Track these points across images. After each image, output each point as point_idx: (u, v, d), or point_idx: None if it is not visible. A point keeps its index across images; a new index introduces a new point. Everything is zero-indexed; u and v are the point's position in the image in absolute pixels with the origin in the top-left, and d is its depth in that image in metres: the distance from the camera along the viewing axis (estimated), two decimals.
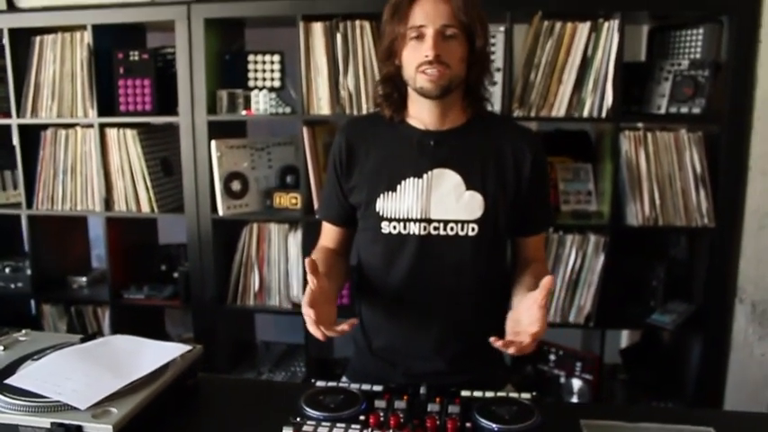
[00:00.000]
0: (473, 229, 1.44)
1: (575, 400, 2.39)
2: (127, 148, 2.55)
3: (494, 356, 1.54)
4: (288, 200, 2.51)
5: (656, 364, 2.64)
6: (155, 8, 2.43)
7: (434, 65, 1.35)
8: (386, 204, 1.47)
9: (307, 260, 1.34)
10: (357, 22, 2.32)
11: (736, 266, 2.27)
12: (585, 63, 2.24)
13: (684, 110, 2.24)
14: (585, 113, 2.26)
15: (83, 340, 1.50)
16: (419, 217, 1.44)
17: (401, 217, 1.46)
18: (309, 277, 1.34)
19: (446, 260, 1.46)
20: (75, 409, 1.19)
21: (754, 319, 2.18)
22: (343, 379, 1.65)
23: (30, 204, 2.67)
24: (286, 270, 2.56)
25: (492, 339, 1.24)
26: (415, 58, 1.38)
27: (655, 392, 2.48)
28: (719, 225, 2.26)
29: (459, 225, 1.44)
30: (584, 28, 2.21)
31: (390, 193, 1.46)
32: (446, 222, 1.44)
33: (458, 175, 1.44)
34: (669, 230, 2.39)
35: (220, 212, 2.50)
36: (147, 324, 2.86)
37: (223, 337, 2.64)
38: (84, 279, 2.88)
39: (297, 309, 2.56)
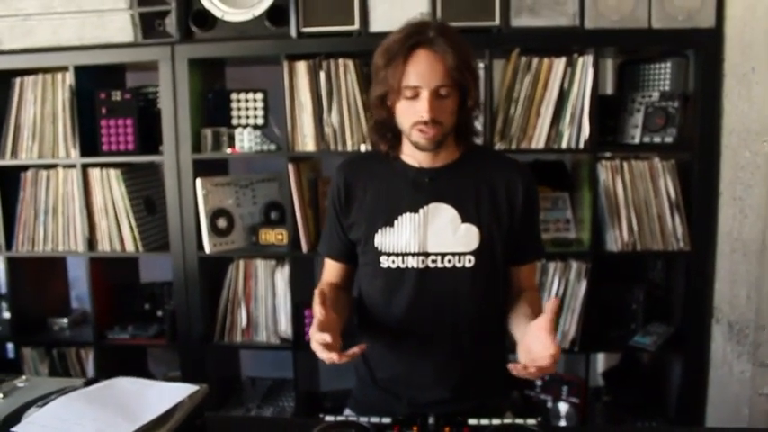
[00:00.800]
0: (470, 261, 1.48)
1: (562, 423, 2.44)
2: (110, 188, 2.55)
3: (494, 383, 1.59)
4: (274, 236, 2.54)
5: (638, 385, 2.70)
6: (138, 49, 2.45)
7: (429, 125, 1.40)
8: (384, 239, 1.51)
9: (316, 291, 1.38)
10: (340, 61, 2.38)
11: (712, 288, 2.36)
12: (562, 97, 2.33)
13: (657, 139, 2.34)
14: (564, 145, 2.34)
15: (86, 384, 1.50)
16: (417, 251, 1.48)
17: (399, 251, 1.49)
18: (317, 308, 1.37)
19: (445, 292, 1.50)
20: None
21: (732, 337, 2.27)
22: (347, 411, 1.67)
23: (9, 246, 2.64)
24: (273, 305, 2.57)
25: (510, 366, 1.26)
26: (410, 116, 1.42)
27: (638, 412, 2.54)
28: (694, 248, 2.35)
29: (457, 257, 1.48)
30: (559, 63, 2.30)
31: (388, 228, 1.50)
32: (443, 255, 1.48)
33: (453, 209, 1.48)
34: (647, 255, 2.48)
35: (207, 250, 2.51)
36: (130, 364, 2.83)
37: (210, 374, 2.63)
38: (65, 320, 2.84)
39: (285, 344, 2.57)
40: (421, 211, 1.49)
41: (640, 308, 2.49)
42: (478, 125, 2.20)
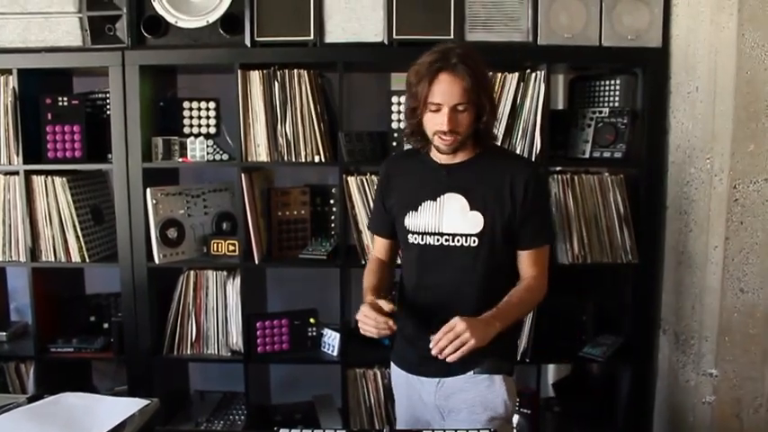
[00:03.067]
0: (474, 241, 1.77)
1: None
2: (56, 196, 2.47)
3: (495, 345, 1.70)
4: (225, 246, 2.50)
5: (588, 396, 2.75)
6: (88, 54, 2.39)
7: (448, 134, 1.70)
8: (410, 221, 1.83)
9: (367, 296, 1.81)
10: (295, 71, 2.37)
11: (659, 299, 2.42)
12: (515, 111, 2.36)
13: (607, 154, 2.40)
14: None
15: (30, 400, 1.44)
16: (434, 231, 1.80)
17: (421, 231, 1.82)
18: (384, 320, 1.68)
19: (455, 263, 1.80)
20: None
21: (678, 347, 2.33)
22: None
23: None
24: (225, 317, 2.53)
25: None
26: (434, 126, 1.71)
27: (588, 423, 2.58)
28: (642, 261, 2.41)
29: (464, 237, 1.78)
30: (512, 78, 2.34)
31: (413, 212, 1.83)
32: (454, 235, 1.78)
33: (464, 198, 1.78)
34: (597, 267, 2.52)
35: (156, 260, 2.45)
36: (74, 379, 2.73)
37: (158, 388, 2.56)
38: (3, 334, 2.73)
39: (236, 356, 2.53)
40: (439, 199, 1.79)
41: (590, 319, 2.53)
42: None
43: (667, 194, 2.38)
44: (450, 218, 1.78)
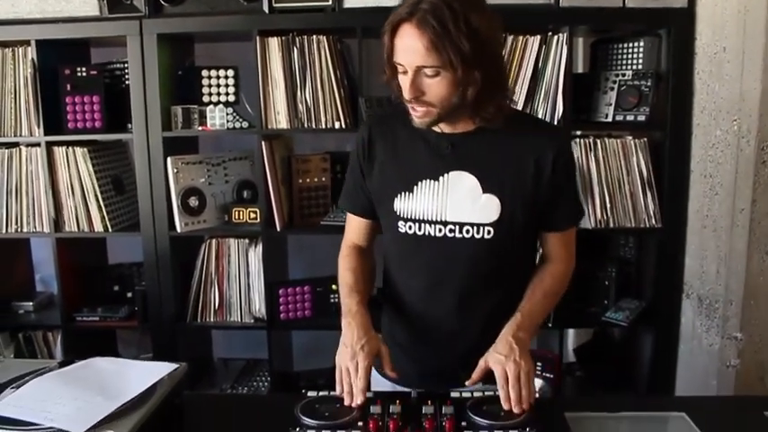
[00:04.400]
0: (489, 232, 1.42)
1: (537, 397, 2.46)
2: (77, 167, 2.48)
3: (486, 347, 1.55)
4: (247, 214, 2.51)
5: (610, 361, 2.75)
6: (105, 23, 2.37)
7: (416, 103, 1.34)
8: (402, 204, 1.47)
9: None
10: (314, 37, 2.34)
11: (682, 263, 2.40)
12: (537, 75, 2.33)
13: (630, 117, 2.37)
14: None
15: (61, 365, 1.46)
16: (435, 219, 1.44)
17: (417, 218, 1.45)
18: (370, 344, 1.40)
19: (461, 261, 1.46)
20: None
21: (701, 311, 2.32)
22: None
23: None
24: (247, 284, 2.54)
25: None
26: (404, 91, 1.34)
27: (610, 387, 2.59)
28: (666, 225, 2.38)
29: (475, 228, 1.42)
30: (534, 41, 2.30)
31: (407, 193, 1.46)
32: (462, 225, 1.43)
33: (474, 178, 1.42)
34: (620, 232, 2.51)
35: (178, 229, 2.46)
36: (100, 347, 2.76)
37: (182, 355, 2.59)
38: (30, 304, 2.77)
39: (258, 323, 2.55)
40: (441, 178, 1.43)
41: (613, 284, 2.52)
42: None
43: (692, 158, 2.34)
44: (458, 203, 1.42)
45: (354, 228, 1.63)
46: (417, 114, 1.36)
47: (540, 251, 1.59)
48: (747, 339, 2.20)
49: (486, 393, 1.38)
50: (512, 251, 1.47)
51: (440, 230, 1.44)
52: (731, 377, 2.24)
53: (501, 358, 1.33)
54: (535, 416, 1.28)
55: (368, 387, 1.36)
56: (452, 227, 1.43)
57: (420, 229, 1.46)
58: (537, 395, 1.38)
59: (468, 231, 1.43)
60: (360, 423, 1.28)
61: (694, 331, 2.37)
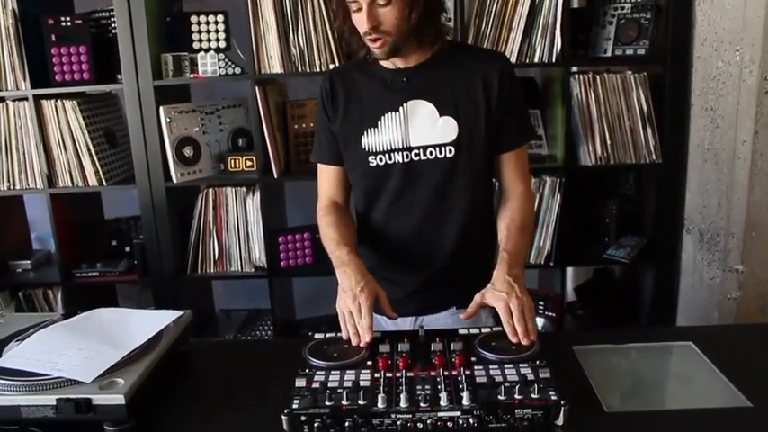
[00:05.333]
0: (450, 151, 1.52)
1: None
2: (68, 120, 2.43)
3: (478, 278, 1.57)
4: (243, 162, 2.47)
5: (610, 299, 2.77)
6: None
7: (374, 35, 1.43)
8: (370, 140, 1.55)
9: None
10: None
11: (683, 198, 2.39)
12: (534, 10, 2.27)
13: (629, 52, 2.32)
14: (536, 59, 2.31)
15: (65, 317, 1.45)
16: (401, 146, 1.53)
17: (385, 149, 1.54)
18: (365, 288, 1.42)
19: (428, 182, 1.55)
20: (80, 383, 1.15)
21: (702, 246, 2.31)
22: None
23: None
24: (246, 233, 2.52)
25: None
26: (360, 28, 1.45)
27: (612, 324, 2.61)
28: (666, 160, 2.37)
29: (438, 149, 1.52)
30: None
31: (373, 129, 1.55)
32: (425, 148, 1.53)
33: (431, 104, 1.52)
34: (620, 168, 2.49)
35: (174, 180, 2.43)
36: (100, 302, 2.65)
37: (184, 307, 2.55)
38: (27, 262, 2.76)
39: (259, 272, 2.54)
40: (401, 108, 1.53)
41: (613, 221, 2.52)
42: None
43: (692, 91, 2.31)
44: (419, 128, 1.52)
45: (328, 180, 1.67)
46: (376, 46, 1.45)
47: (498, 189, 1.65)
48: (748, 271, 2.20)
49: (493, 330, 1.39)
50: (473, 168, 1.54)
51: (406, 156, 1.53)
52: (732, 309, 2.24)
53: (502, 295, 1.37)
54: (543, 349, 1.28)
55: (373, 326, 1.36)
56: (417, 151, 1.53)
57: (390, 159, 1.54)
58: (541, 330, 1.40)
59: (431, 153, 1.53)
60: (369, 362, 1.28)
61: (695, 266, 2.37)
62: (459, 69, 1.54)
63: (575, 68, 2.38)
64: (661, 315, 2.50)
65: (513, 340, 1.32)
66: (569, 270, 3.03)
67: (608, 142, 2.35)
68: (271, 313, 2.64)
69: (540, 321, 2.49)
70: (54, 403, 1.12)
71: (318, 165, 1.68)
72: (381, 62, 1.55)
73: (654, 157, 2.36)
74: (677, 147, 2.36)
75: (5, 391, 1.15)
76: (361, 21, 1.42)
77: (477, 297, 1.42)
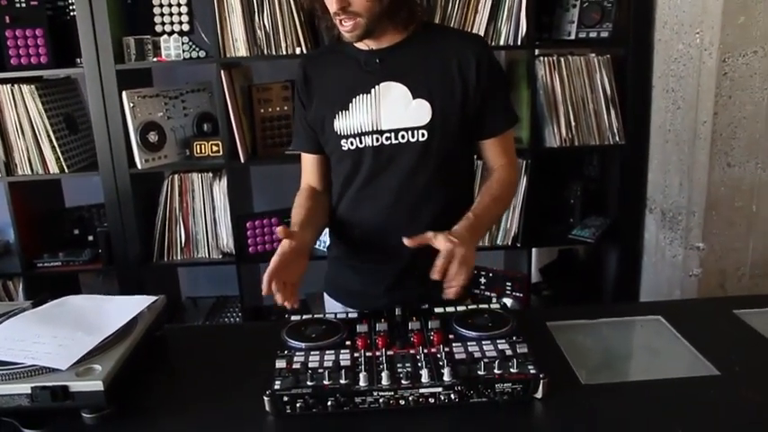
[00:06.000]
0: (423, 135, 1.47)
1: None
2: (25, 105, 2.36)
3: None
4: (209, 147, 2.44)
5: (575, 278, 2.82)
6: None
7: (344, 16, 1.39)
8: (341, 123, 1.51)
9: (278, 229, 1.39)
10: None
11: (645, 179, 2.45)
12: None
13: (593, 34, 2.36)
14: (502, 42, 2.33)
15: (35, 305, 1.42)
16: (371, 129, 1.49)
17: (356, 132, 1.50)
18: (285, 241, 1.39)
19: (400, 167, 1.50)
20: (55, 371, 1.13)
21: (665, 225, 2.37)
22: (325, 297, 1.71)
23: None
24: (213, 219, 2.50)
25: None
26: (330, 7, 1.41)
27: (576, 302, 2.66)
28: (629, 142, 2.42)
29: (410, 132, 1.48)
30: None
31: (344, 111, 1.50)
32: (396, 131, 1.48)
33: (403, 86, 1.47)
34: (584, 150, 2.53)
35: (138, 166, 2.39)
36: (63, 293, 2.64)
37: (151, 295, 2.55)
38: None
39: (227, 258, 2.52)
40: (373, 90, 1.49)
41: (578, 202, 2.57)
42: None
43: (654, 73, 2.36)
44: (390, 111, 1.47)
45: (308, 167, 1.66)
46: (346, 28, 1.41)
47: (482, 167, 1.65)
48: (708, 249, 2.26)
49: (469, 307, 1.41)
50: (447, 154, 1.50)
51: (377, 140, 1.49)
52: (694, 286, 2.31)
53: (451, 243, 1.32)
54: (519, 325, 1.30)
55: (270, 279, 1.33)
56: (388, 134, 1.48)
57: (361, 143, 1.50)
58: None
59: (403, 137, 1.48)
60: (348, 342, 1.28)
61: (658, 245, 2.43)
62: (434, 51, 1.49)
63: (539, 51, 2.40)
64: (624, 293, 2.56)
65: (434, 277, 1.30)
66: (534, 251, 3.09)
67: (572, 124, 2.39)
68: (239, 300, 2.62)
69: (507, 302, 2.52)
70: (29, 392, 1.10)
71: None
72: (357, 44, 1.50)
73: (617, 138, 2.41)
74: (640, 128, 2.41)
75: None
76: (330, 1, 1.39)
77: (429, 233, 1.35)
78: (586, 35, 2.37)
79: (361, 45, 1.50)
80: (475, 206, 1.47)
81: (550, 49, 2.43)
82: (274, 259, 1.36)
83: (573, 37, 2.39)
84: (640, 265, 2.53)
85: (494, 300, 2.54)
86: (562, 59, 2.36)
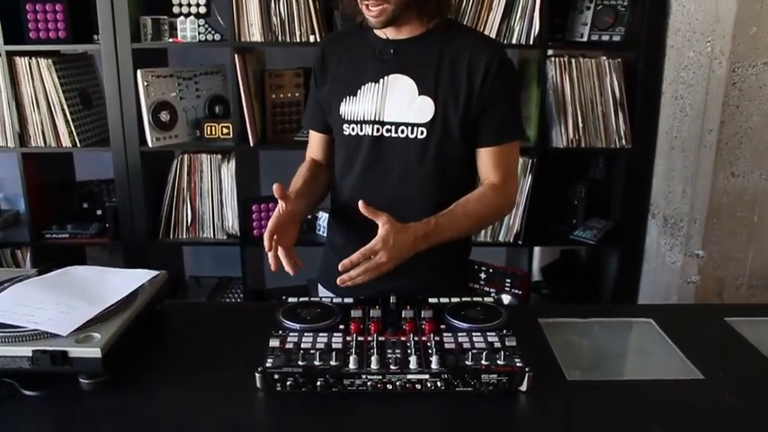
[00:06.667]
0: (422, 133, 1.47)
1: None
2: (42, 78, 2.40)
3: (450, 271, 1.62)
4: (219, 129, 2.48)
5: (575, 279, 2.84)
6: None
7: (372, 1, 1.39)
8: (347, 107, 1.52)
9: (274, 186, 1.40)
10: None
11: (650, 184, 2.46)
12: None
13: (605, 37, 2.37)
14: (514, 40, 2.34)
15: (40, 272, 1.46)
16: (373, 119, 1.50)
17: (358, 119, 1.51)
18: (280, 205, 1.41)
19: (397, 161, 1.51)
20: (56, 336, 1.17)
21: (666, 231, 2.39)
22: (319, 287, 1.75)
23: None
24: (220, 201, 2.54)
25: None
26: None
27: (574, 303, 2.68)
28: (635, 146, 2.43)
29: (410, 128, 1.48)
30: None
31: (351, 97, 1.52)
32: (397, 125, 1.49)
33: (411, 81, 1.47)
34: (590, 152, 2.55)
35: (149, 144, 2.43)
36: (69, 264, 2.73)
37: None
38: None
39: (231, 239, 2.56)
40: (381, 81, 1.49)
41: (582, 204, 2.59)
42: None
43: (664, 79, 2.37)
44: (395, 104, 1.48)
45: (314, 144, 1.68)
46: (373, 14, 1.41)
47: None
48: (708, 257, 2.28)
49: (463, 299, 1.43)
50: (444, 154, 1.49)
51: (377, 130, 1.50)
52: (691, 293, 2.33)
53: (386, 242, 1.32)
54: (510, 320, 1.33)
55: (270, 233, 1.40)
56: (389, 127, 1.49)
57: (361, 131, 1.51)
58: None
59: (402, 131, 1.49)
60: (341, 326, 1.31)
61: (658, 250, 2.45)
62: (448, 50, 1.47)
63: (551, 51, 2.42)
64: (623, 296, 2.58)
65: (341, 265, 1.34)
66: (536, 251, 3.11)
67: (580, 125, 2.40)
68: (242, 281, 2.66)
69: (506, 298, 2.55)
70: (30, 355, 1.14)
71: None
72: (376, 31, 1.50)
73: (624, 142, 2.42)
74: (647, 133, 2.42)
75: None
76: None
77: (383, 216, 1.34)
78: (599, 38, 2.38)
79: (379, 33, 1.50)
80: (443, 213, 1.44)
81: (562, 50, 2.44)
82: (272, 222, 1.41)
83: (585, 39, 2.41)
84: (640, 270, 2.55)
85: (493, 294, 2.57)
86: (573, 61, 2.38)
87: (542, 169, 2.44)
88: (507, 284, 2.56)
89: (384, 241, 1.33)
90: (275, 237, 1.41)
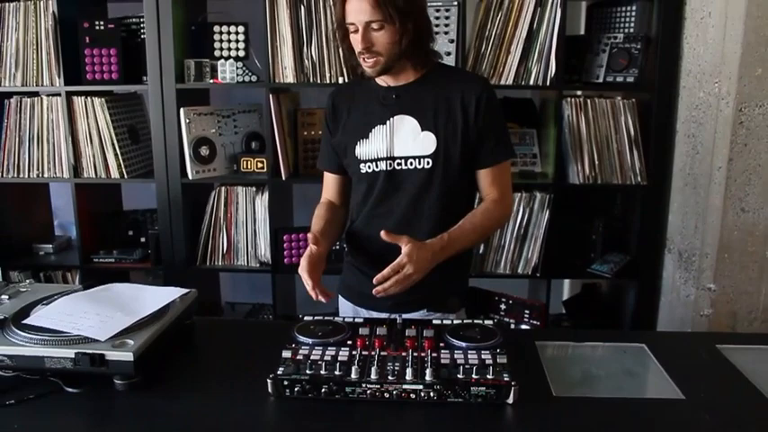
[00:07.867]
0: (428, 163, 1.71)
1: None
2: (95, 116, 2.62)
3: (451, 283, 1.80)
4: (254, 164, 2.65)
5: (595, 313, 2.90)
6: None
7: (367, 54, 1.63)
8: (362, 149, 1.75)
9: (309, 236, 1.69)
10: None
11: (665, 220, 2.54)
12: (531, 35, 2.44)
13: (620, 79, 2.48)
14: (532, 81, 2.47)
15: (85, 288, 1.63)
16: (385, 156, 1.73)
17: (373, 158, 1.74)
18: (311, 247, 1.66)
19: (407, 189, 1.74)
20: (95, 341, 1.33)
21: (681, 265, 2.45)
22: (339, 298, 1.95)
23: None
24: (254, 230, 2.70)
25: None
26: (356, 47, 1.66)
27: None
28: (651, 183, 2.52)
29: (417, 160, 1.71)
30: (530, 2, 2.41)
31: (364, 139, 1.75)
32: (406, 158, 1.72)
33: (414, 120, 1.71)
34: (607, 188, 2.64)
35: (189, 176, 2.62)
36: None
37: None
38: (50, 246, 2.95)
39: (264, 267, 2.71)
40: (388, 122, 1.73)
41: (599, 238, 2.67)
42: (450, 60, 2.36)
43: (677, 118, 2.46)
44: (402, 141, 1.71)
45: (329, 184, 1.92)
46: (368, 65, 1.65)
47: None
48: (720, 291, 2.33)
49: (464, 321, 1.55)
50: (448, 181, 1.71)
51: (389, 165, 1.74)
52: (704, 326, 2.37)
53: (411, 257, 1.56)
54: (507, 340, 1.43)
55: (315, 283, 1.62)
56: (399, 161, 1.73)
57: (377, 167, 1.74)
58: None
59: (411, 163, 1.72)
60: (349, 342, 1.44)
61: (674, 284, 2.51)
62: (442, 90, 1.71)
63: (567, 92, 2.53)
64: (641, 329, 2.63)
65: (374, 281, 1.56)
66: (565, 286, 3.19)
67: (596, 163, 2.50)
68: (273, 308, 2.80)
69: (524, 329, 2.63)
70: (73, 356, 1.30)
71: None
72: (377, 80, 1.74)
73: (639, 179, 2.51)
74: (662, 170, 2.51)
75: (32, 344, 1.33)
76: (356, 41, 1.63)
77: (404, 238, 1.58)
78: (614, 79, 2.50)
79: (381, 82, 1.75)
80: (453, 229, 1.68)
81: (578, 90, 2.56)
82: (306, 261, 1.64)
83: (601, 80, 2.52)
84: (658, 303, 2.61)
85: (512, 325, 2.66)
86: (589, 101, 2.49)
87: (560, 205, 2.54)
88: (526, 316, 2.64)
89: (409, 256, 1.56)
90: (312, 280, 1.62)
